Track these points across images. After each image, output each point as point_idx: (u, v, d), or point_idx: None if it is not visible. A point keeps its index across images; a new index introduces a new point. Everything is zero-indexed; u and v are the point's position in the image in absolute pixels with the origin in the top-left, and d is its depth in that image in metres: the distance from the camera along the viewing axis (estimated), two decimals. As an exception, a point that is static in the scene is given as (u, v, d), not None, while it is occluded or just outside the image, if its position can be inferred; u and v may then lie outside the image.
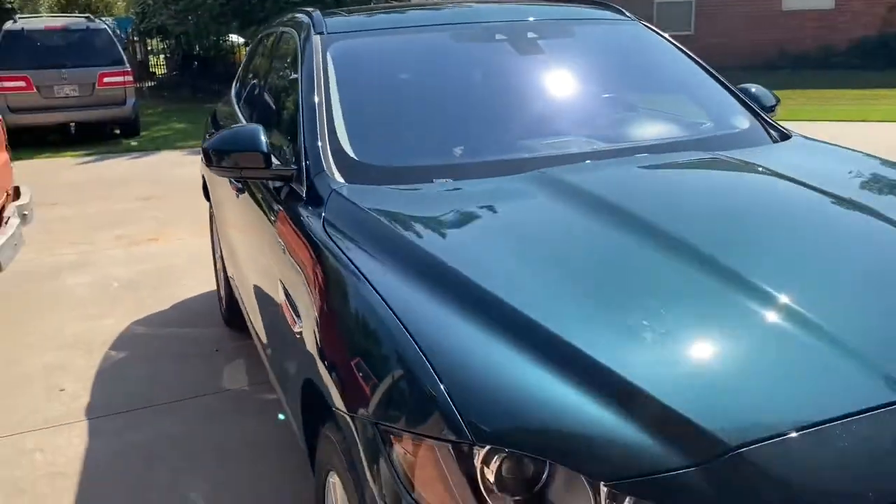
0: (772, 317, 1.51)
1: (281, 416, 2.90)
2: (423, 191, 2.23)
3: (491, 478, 1.31)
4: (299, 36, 2.97)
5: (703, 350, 1.48)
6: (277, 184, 2.54)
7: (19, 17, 13.36)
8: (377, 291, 1.67)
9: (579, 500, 1.27)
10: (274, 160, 2.46)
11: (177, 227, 6.77)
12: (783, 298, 1.55)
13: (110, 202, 7.95)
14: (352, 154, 2.38)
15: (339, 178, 2.30)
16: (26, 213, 5.25)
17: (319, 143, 2.40)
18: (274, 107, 3.23)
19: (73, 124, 11.89)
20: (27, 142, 11.76)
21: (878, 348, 1.42)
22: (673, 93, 3.02)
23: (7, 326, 4.74)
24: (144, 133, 12.94)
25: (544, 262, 1.77)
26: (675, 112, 2.93)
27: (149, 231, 6.74)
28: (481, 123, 2.59)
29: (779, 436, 1.26)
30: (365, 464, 1.50)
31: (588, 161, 2.36)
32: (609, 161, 2.39)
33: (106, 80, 12.01)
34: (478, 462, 1.31)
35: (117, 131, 12.78)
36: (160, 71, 23.39)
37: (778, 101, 3.22)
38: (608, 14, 3.28)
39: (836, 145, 2.72)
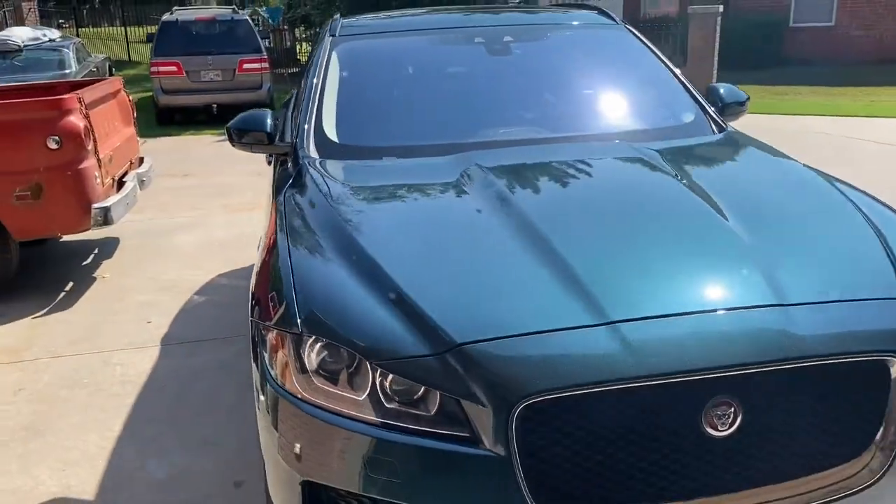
0: (536, 264, 1.98)
1: None
2: (368, 165, 2.83)
3: (315, 361, 1.89)
4: (321, 36, 3.62)
5: (469, 277, 2.00)
6: (283, 158, 3.20)
7: (176, 10, 14.94)
8: (287, 239, 2.29)
9: (366, 377, 1.82)
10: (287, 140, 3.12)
11: (277, 199, 7.67)
12: (559, 250, 2.01)
13: (231, 176, 9.00)
14: (328, 134, 3.01)
15: (313, 153, 2.93)
16: (144, 179, 6.27)
17: (306, 126, 3.04)
18: (297, 96, 3.92)
19: (215, 106, 13.26)
20: (179, 120, 13.36)
21: (599, 286, 1.87)
22: (633, 89, 3.40)
23: (119, 271, 5.76)
24: (277, 115, 14.18)
25: (415, 221, 2.34)
26: (628, 106, 3.34)
27: (252, 201, 7.68)
28: (436, 114, 3.15)
29: (504, 338, 1.76)
30: (253, 353, 2.13)
31: (511, 148, 2.86)
32: (530, 148, 2.88)
33: (245, 66, 13.29)
34: (306, 348, 1.90)
35: (254, 113, 14.07)
36: (304, 58, 25.01)
37: (748, 98, 3.54)
38: (593, 18, 3.70)
39: (753, 143, 3.02)
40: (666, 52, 14.08)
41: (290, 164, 2.97)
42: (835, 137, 9.92)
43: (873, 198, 2.51)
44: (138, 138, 6.82)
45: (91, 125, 5.20)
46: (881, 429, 1.82)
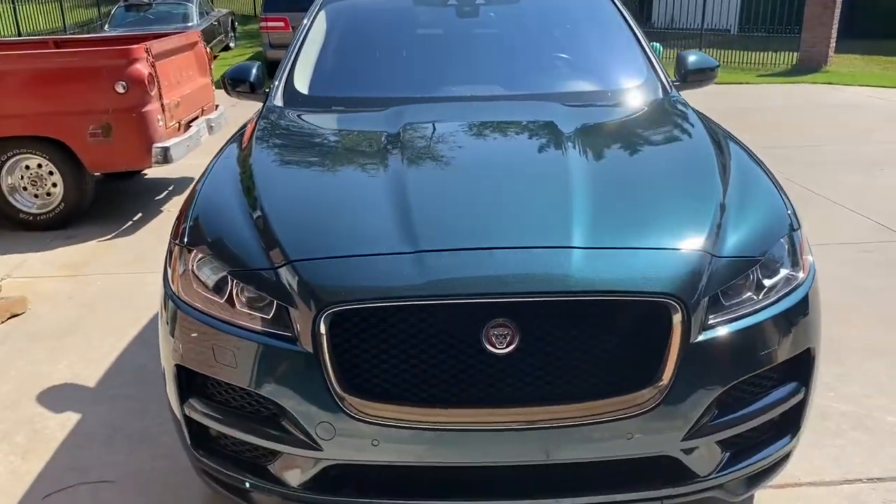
0: (385, 202, 2.28)
1: None
2: (318, 113, 3.19)
3: (195, 269, 2.30)
4: None
5: (324, 208, 2.34)
6: None
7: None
8: (209, 169, 2.70)
9: (226, 284, 2.21)
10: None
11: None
12: (409, 192, 2.31)
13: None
14: (296, 86, 3.39)
15: (278, 101, 3.33)
16: (213, 125, 6.90)
17: (278, 78, 3.44)
18: None
19: (317, 60, 13.94)
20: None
21: (421, 222, 2.16)
22: (588, 53, 3.57)
23: (165, 208, 6.43)
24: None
25: (312, 161, 2.72)
26: (576, 69, 3.52)
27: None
28: (391, 71, 3.46)
29: (327, 258, 2.11)
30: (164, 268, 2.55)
31: (445, 104, 3.15)
32: (462, 105, 3.16)
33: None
34: (190, 258, 2.32)
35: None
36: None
37: (717, 65, 3.64)
38: None
39: (678, 112, 3.13)
40: (781, 19, 13.46)
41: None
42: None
43: (763, 169, 2.63)
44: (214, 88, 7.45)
45: (156, 73, 5.83)
46: (660, 369, 2.03)
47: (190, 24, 15.22)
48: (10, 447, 3.15)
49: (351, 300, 2.00)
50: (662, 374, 2.02)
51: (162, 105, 5.90)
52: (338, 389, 2.03)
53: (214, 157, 2.89)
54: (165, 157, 5.80)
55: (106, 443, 3.15)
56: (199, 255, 2.30)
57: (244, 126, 3.24)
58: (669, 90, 3.35)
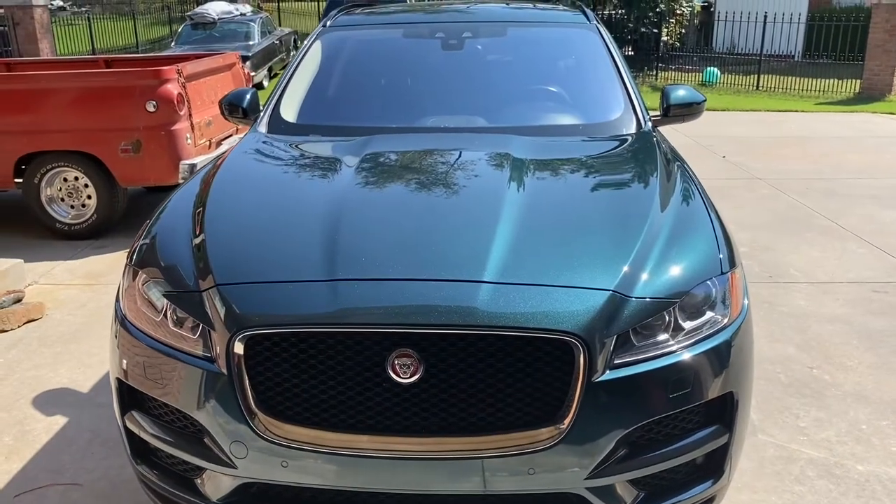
0: (318, 231, 2.36)
1: None
2: (292, 142, 3.30)
3: (140, 289, 2.43)
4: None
5: (262, 234, 2.42)
6: None
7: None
8: (175, 193, 2.84)
9: (162, 303, 2.33)
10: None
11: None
12: (343, 221, 2.39)
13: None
14: (282, 113, 3.53)
15: (263, 128, 3.47)
16: (245, 143, 7.13)
17: (270, 104, 3.58)
18: None
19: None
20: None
21: (344, 252, 2.24)
22: (565, 87, 3.60)
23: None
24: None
25: (267, 187, 2.83)
26: (549, 103, 3.55)
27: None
28: (371, 101, 3.56)
29: (248, 283, 2.20)
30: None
31: (412, 135, 3.24)
32: (428, 136, 3.23)
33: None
34: (138, 279, 2.45)
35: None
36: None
37: (703, 100, 3.63)
38: (566, 17, 3.91)
39: (645, 150, 3.09)
40: (846, 46, 13.15)
41: None
42: None
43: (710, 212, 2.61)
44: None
45: (186, 93, 6.09)
46: (562, 406, 2.05)
47: (251, 43, 15.75)
48: (-3, 446, 3.35)
49: (263, 325, 2.09)
50: (564, 410, 2.04)
51: (191, 123, 6.16)
52: (250, 410, 2.12)
53: (187, 179, 3.04)
54: (192, 174, 6.03)
55: (84, 448, 3.31)
56: (144, 276, 2.43)
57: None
58: (644, 125, 3.34)
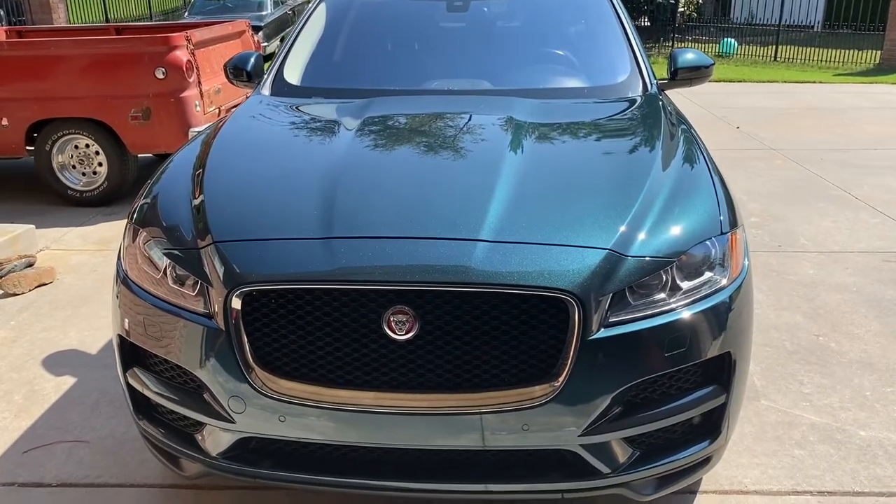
0: (316, 190, 2.36)
1: None
2: (296, 102, 3.30)
3: (142, 247, 2.45)
4: None
5: (261, 193, 2.42)
6: None
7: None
8: (177, 154, 2.85)
9: (162, 261, 2.35)
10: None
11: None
12: (341, 181, 2.39)
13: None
14: (284, 76, 3.52)
15: (266, 91, 3.46)
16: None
17: (274, 66, 3.57)
18: None
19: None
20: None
21: (341, 210, 2.24)
22: (571, 50, 3.56)
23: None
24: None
25: (267, 146, 2.84)
26: (562, 66, 3.51)
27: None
28: (373, 63, 3.54)
29: (246, 240, 2.21)
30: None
31: (415, 97, 3.22)
32: (430, 98, 3.21)
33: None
34: (139, 237, 2.46)
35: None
36: None
37: (712, 63, 3.59)
38: None
39: (650, 111, 3.07)
40: (867, 16, 13.02)
41: None
42: None
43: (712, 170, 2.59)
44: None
45: (196, 60, 6.08)
46: (556, 363, 2.05)
47: (264, 13, 15.69)
48: (7, 405, 3.40)
49: (260, 281, 2.10)
50: (559, 368, 2.04)
51: (200, 91, 6.15)
52: (248, 366, 2.13)
53: (189, 140, 3.04)
54: (201, 141, 6.05)
55: (91, 407, 3.36)
56: (145, 234, 2.44)
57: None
58: (650, 88, 3.31)
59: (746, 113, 9.75)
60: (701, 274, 2.23)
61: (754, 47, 16.24)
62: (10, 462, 2.99)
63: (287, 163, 2.68)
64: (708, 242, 2.27)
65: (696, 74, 3.54)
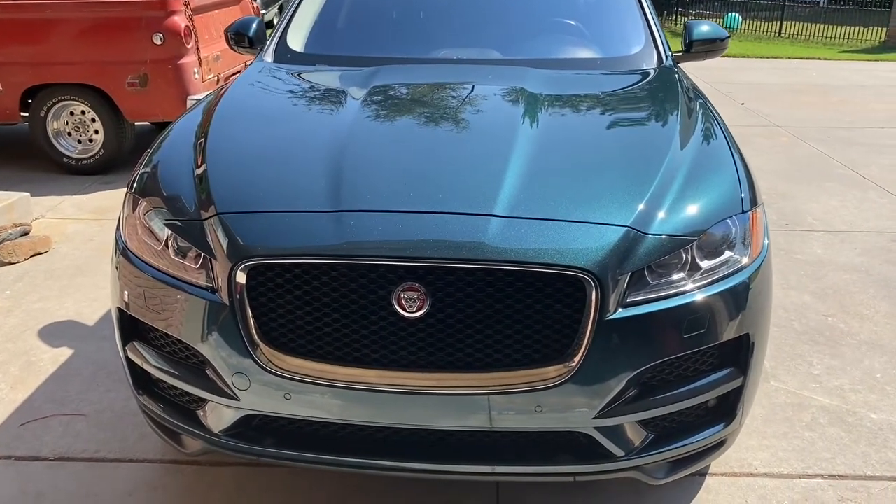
0: (323, 161, 2.28)
1: None
2: (300, 70, 3.20)
3: (141, 217, 2.36)
4: None
5: (265, 164, 2.33)
6: None
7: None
8: (177, 122, 2.76)
9: (163, 233, 2.27)
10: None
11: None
12: (348, 151, 2.31)
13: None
14: (287, 43, 3.41)
15: (269, 58, 3.36)
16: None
17: (276, 33, 3.47)
18: None
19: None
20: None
21: (349, 182, 2.16)
22: (592, 20, 3.46)
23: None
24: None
25: (271, 115, 2.74)
26: (575, 36, 3.41)
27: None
28: (380, 31, 3.43)
29: (250, 212, 2.13)
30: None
31: (423, 65, 3.12)
32: (438, 67, 3.11)
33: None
34: (139, 207, 2.38)
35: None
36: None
37: (727, 36, 3.49)
38: None
39: (663, 83, 2.99)
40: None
41: None
42: None
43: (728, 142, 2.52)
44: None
45: (194, 26, 5.94)
46: (572, 343, 1.98)
47: (262, -20, 15.38)
48: (4, 377, 3.34)
49: (266, 255, 2.03)
50: (574, 348, 1.98)
51: (199, 58, 6.03)
52: (252, 342, 2.06)
53: (189, 108, 2.95)
54: (199, 109, 5.93)
55: (89, 380, 3.30)
56: (146, 204, 2.36)
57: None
58: (665, 60, 3.21)
59: (751, 89, 9.63)
60: (721, 253, 2.16)
61: (759, 22, 16.05)
62: (7, 435, 2.93)
63: (292, 132, 2.59)
64: (728, 221, 2.19)
65: (711, 47, 3.45)
